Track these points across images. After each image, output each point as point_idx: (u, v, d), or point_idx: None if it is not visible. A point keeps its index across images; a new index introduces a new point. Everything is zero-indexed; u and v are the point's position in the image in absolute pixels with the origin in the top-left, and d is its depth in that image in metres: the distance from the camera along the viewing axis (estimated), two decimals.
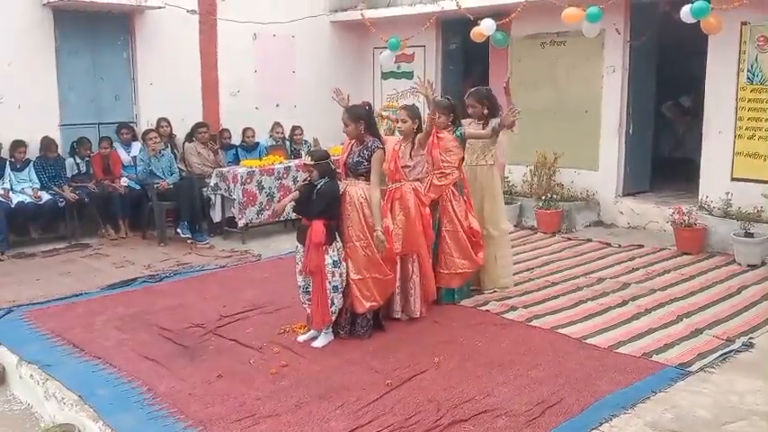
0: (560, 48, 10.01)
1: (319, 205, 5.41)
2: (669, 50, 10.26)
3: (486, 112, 6.70)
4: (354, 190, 5.55)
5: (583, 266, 7.71)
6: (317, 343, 5.52)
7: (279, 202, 9.15)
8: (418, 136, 6.07)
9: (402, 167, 6.08)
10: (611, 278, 7.21)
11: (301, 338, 5.62)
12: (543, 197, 9.54)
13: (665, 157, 12.01)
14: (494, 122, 6.60)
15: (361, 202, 5.51)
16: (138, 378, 4.94)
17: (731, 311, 6.19)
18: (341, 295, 5.51)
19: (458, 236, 6.39)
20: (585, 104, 9.81)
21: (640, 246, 8.50)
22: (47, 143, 9.13)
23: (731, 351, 5.30)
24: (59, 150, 9.32)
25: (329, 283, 5.42)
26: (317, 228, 5.33)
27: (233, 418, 4.37)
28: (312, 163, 5.46)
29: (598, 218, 9.81)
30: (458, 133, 6.40)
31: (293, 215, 8.53)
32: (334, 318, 5.54)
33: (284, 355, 5.32)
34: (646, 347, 5.39)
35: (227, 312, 6.32)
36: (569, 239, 8.99)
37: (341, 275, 5.48)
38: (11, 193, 8.72)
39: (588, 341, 5.54)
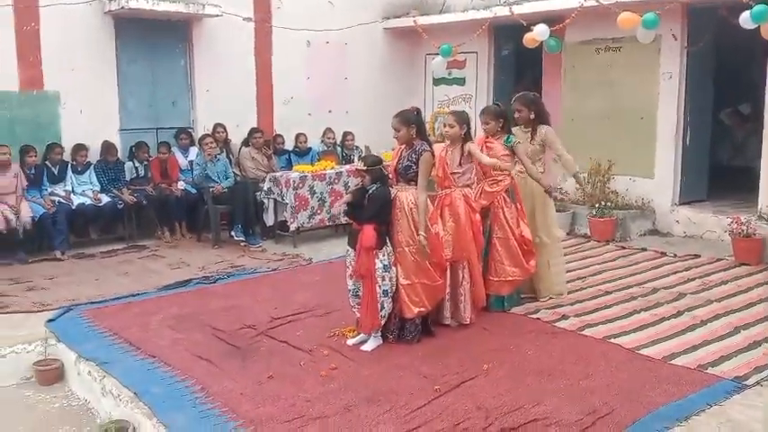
0: (615, 54, 9.87)
1: (371, 210, 5.44)
2: (727, 56, 10.02)
3: (532, 116, 6.62)
4: (404, 195, 5.56)
5: (637, 276, 7.58)
6: (367, 347, 5.55)
7: (331, 206, 9.32)
8: (468, 146, 6.03)
9: (451, 174, 6.08)
10: (665, 288, 7.07)
11: (351, 342, 5.66)
12: (597, 205, 9.40)
13: (723, 166, 11.74)
14: (543, 129, 6.55)
15: (410, 208, 5.52)
16: (192, 377, 5.04)
17: None
18: (390, 300, 5.53)
19: (509, 243, 6.35)
20: (641, 111, 9.65)
21: (697, 256, 8.31)
22: (107, 147, 9.41)
23: None
24: (119, 154, 9.59)
25: (379, 287, 5.45)
26: (368, 232, 5.36)
27: (283, 418, 4.42)
28: (365, 168, 5.50)
29: (653, 227, 9.64)
30: (508, 141, 6.35)
31: (344, 219, 8.62)
32: (383, 322, 5.56)
33: (334, 358, 5.36)
34: (701, 359, 5.28)
35: (278, 314, 6.39)
36: (623, 248, 8.84)
37: (391, 280, 5.50)
38: (72, 195, 9.00)
39: (641, 352, 5.45)
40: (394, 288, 5.53)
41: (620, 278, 7.50)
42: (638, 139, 9.65)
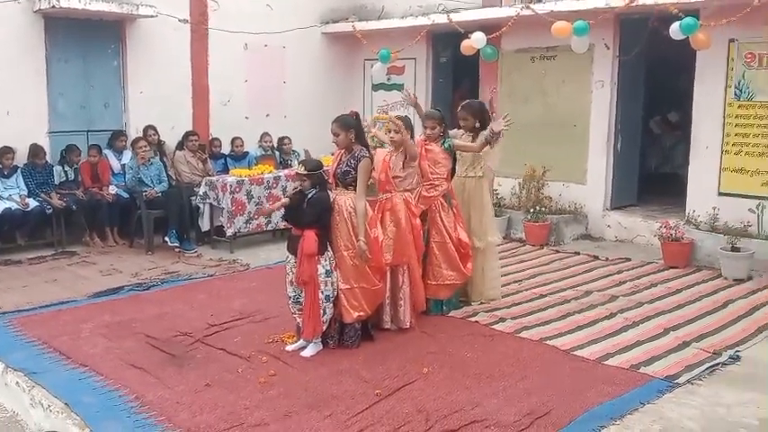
0: (550, 62, 10.08)
1: (311, 215, 5.40)
2: (657, 66, 10.35)
3: (477, 125, 6.73)
4: (343, 200, 5.55)
5: (571, 279, 7.75)
6: (306, 352, 5.50)
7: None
8: (409, 146, 6.07)
9: (393, 178, 6.10)
10: (598, 291, 7.24)
11: (290, 348, 5.61)
12: (532, 210, 9.57)
13: (652, 172, 12.11)
14: (485, 134, 6.60)
15: (349, 212, 5.51)
16: (126, 386, 4.91)
17: (718, 325, 6.23)
18: (332, 305, 5.51)
19: (446, 247, 6.40)
20: (574, 118, 9.88)
21: (628, 259, 8.55)
22: (35, 150, 9.10)
23: (718, 364, 5.34)
24: (48, 157, 9.28)
25: (321, 292, 5.42)
26: (310, 238, 5.32)
27: (221, 426, 4.34)
28: (305, 172, 5.46)
29: (586, 231, 9.86)
30: (446, 145, 6.42)
31: (282, 224, 8.53)
32: (324, 327, 5.53)
33: (273, 365, 5.30)
34: (633, 359, 5.42)
35: (214, 321, 6.29)
36: (557, 252, 9.02)
37: (332, 285, 5.48)
38: None
39: (576, 353, 5.56)
40: (335, 293, 5.51)
41: (555, 281, 7.65)
42: (572, 145, 9.87)
